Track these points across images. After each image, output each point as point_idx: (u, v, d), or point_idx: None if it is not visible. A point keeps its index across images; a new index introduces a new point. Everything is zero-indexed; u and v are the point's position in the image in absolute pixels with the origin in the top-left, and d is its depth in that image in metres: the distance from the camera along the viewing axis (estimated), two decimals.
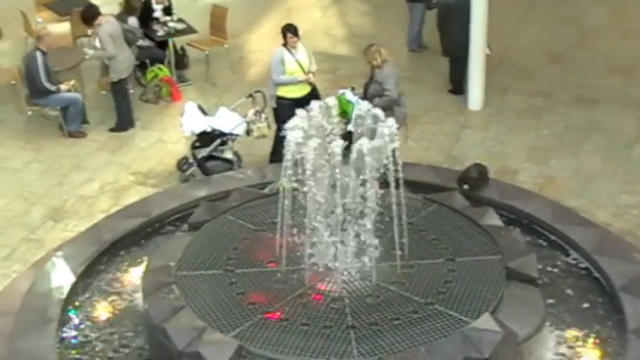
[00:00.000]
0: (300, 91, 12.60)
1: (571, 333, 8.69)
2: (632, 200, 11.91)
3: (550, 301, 8.91)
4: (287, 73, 12.53)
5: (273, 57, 12.68)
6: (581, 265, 9.51)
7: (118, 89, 14.20)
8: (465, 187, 10.59)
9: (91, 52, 14.30)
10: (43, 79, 13.65)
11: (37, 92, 13.87)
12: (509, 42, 16.60)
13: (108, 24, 14.01)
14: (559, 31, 17.02)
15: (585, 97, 14.65)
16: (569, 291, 9.23)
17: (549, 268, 9.49)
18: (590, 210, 11.51)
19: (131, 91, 14.71)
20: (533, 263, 8.91)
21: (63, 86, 13.95)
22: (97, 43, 14.12)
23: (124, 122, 14.23)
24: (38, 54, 13.68)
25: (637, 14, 17.62)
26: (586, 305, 9.03)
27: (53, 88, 13.80)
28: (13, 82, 14.51)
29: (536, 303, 8.54)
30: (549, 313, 8.70)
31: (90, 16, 14.18)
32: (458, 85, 14.79)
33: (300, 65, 12.57)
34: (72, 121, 14.02)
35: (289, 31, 12.53)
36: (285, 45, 12.58)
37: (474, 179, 10.68)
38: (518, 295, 8.52)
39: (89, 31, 14.41)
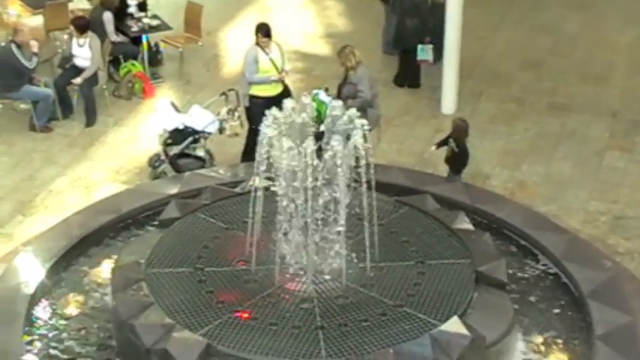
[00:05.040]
0: (272, 90, 12.59)
1: (539, 338, 8.71)
2: (602, 207, 11.99)
3: (518, 305, 8.93)
4: (261, 72, 12.51)
5: (246, 55, 12.66)
6: (551, 271, 9.54)
7: None
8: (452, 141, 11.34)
9: (86, 74, 14.29)
10: (24, 62, 13.62)
11: (9, 85, 13.81)
12: (484, 47, 16.68)
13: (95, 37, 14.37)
14: (534, 38, 17.12)
15: (558, 104, 14.75)
16: (537, 296, 9.25)
17: (519, 273, 9.51)
18: (560, 216, 11.57)
19: (104, 87, 14.67)
20: (502, 268, 8.93)
21: (34, 43, 13.87)
22: (86, 53, 14.19)
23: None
24: (14, 47, 13.65)
25: (611, 23, 17.76)
26: (554, 310, 9.06)
27: (34, 63, 13.78)
28: None
29: (505, 307, 8.56)
30: (518, 318, 8.72)
31: (85, 24, 14.39)
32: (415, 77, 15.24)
33: (273, 64, 12.55)
34: (40, 116, 13.96)
35: (260, 31, 12.50)
36: (257, 43, 12.56)
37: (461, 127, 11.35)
38: (487, 299, 8.53)
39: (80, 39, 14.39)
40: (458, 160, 11.43)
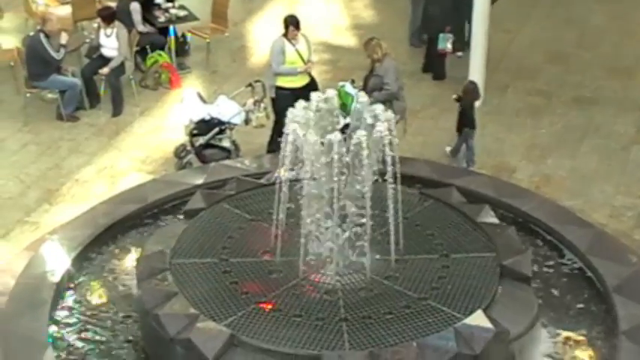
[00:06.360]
0: (299, 81, 12.62)
1: (562, 332, 8.68)
2: (628, 202, 11.94)
3: (543, 299, 8.91)
4: (287, 63, 12.54)
5: (273, 47, 12.68)
6: (575, 265, 9.51)
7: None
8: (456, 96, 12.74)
9: (113, 64, 14.39)
10: (52, 53, 13.69)
11: (37, 74, 13.89)
12: (511, 40, 16.62)
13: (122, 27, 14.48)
14: (560, 31, 17.04)
15: (584, 98, 14.69)
16: (562, 290, 9.22)
17: (543, 267, 9.49)
18: (585, 210, 11.52)
19: (130, 77, 14.73)
20: (527, 262, 8.90)
21: (63, 35, 13.94)
22: (113, 43, 14.27)
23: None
24: (42, 36, 13.73)
25: (638, 15, 17.63)
26: (578, 305, 9.03)
27: (62, 54, 13.85)
28: (11, 63, 14.52)
29: (529, 301, 8.54)
30: (541, 312, 8.70)
31: (111, 14, 14.50)
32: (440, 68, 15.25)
33: (300, 55, 12.57)
34: (67, 105, 14.03)
35: (292, 23, 12.51)
36: (285, 35, 12.57)
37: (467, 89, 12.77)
38: (511, 293, 8.51)
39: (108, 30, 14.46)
40: (461, 120, 12.72)
